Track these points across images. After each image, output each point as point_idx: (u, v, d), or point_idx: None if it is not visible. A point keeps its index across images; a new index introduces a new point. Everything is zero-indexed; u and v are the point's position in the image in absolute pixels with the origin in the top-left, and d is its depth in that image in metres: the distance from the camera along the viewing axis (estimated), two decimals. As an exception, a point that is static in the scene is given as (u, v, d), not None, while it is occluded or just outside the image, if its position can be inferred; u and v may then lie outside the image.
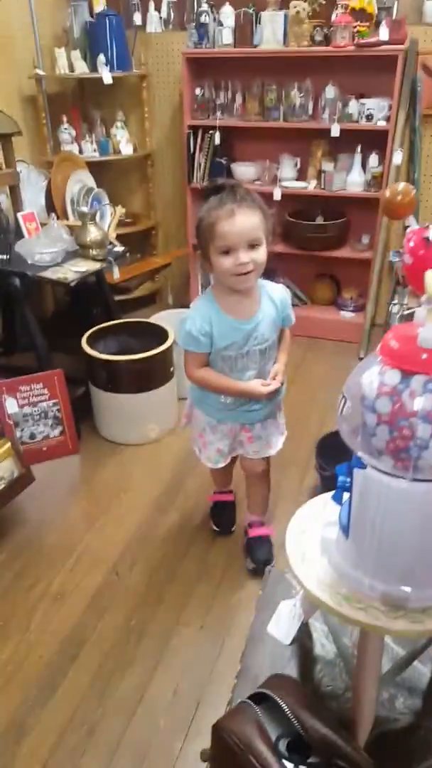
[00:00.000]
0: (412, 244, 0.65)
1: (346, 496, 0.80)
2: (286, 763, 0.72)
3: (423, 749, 0.82)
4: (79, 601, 1.88)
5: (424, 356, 0.66)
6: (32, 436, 2.35)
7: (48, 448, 2.37)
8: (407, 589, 0.72)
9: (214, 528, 2.01)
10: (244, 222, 1.38)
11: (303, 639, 0.96)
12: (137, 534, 2.08)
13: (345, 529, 0.78)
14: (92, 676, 1.69)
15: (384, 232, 3.13)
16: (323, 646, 0.96)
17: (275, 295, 1.58)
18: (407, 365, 0.66)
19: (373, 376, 0.69)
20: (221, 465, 1.80)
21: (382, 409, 0.68)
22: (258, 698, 0.78)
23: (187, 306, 3.58)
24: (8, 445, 1.99)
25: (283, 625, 0.98)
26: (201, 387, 1.65)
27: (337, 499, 0.80)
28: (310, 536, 0.85)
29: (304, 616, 0.98)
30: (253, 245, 1.41)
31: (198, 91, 3.34)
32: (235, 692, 0.86)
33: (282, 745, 0.73)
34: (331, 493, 0.87)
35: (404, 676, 0.92)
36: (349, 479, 0.77)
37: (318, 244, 3.31)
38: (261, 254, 1.43)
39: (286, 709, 0.74)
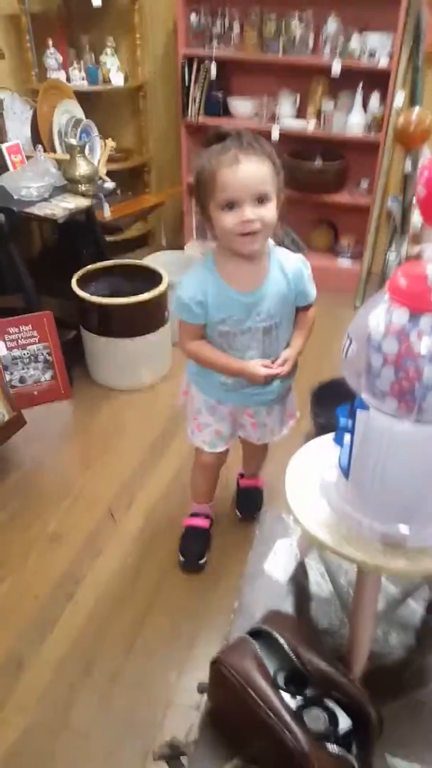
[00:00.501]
0: (426, 174, 0.62)
1: (347, 438, 0.80)
2: (284, 695, 0.73)
3: (415, 681, 0.85)
4: (74, 541, 1.91)
5: (436, 296, 0.64)
6: (22, 380, 2.33)
7: (39, 392, 2.36)
8: (406, 528, 0.73)
9: (180, 557, 1.76)
10: (250, 171, 1.19)
11: (299, 577, 0.98)
12: (133, 476, 2.09)
13: (345, 471, 0.78)
14: (88, 614, 1.73)
15: (383, 177, 3.04)
16: (319, 584, 0.97)
17: (288, 265, 1.37)
18: (416, 304, 0.65)
19: (381, 316, 0.68)
20: (220, 449, 1.63)
21: (389, 350, 0.66)
22: (256, 634, 0.80)
23: (181, 248, 3.52)
24: (-1, 387, 1.97)
25: (279, 563, 0.99)
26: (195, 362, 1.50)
27: (338, 441, 0.80)
28: (309, 478, 0.85)
29: (301, 555, 0.99)
30: (260, 199, 1.21)
31: (193, 17, 3.17)
32: (232, 628, 0.87)
33: (280, 679, 0.75)
34: (330, 435, 0.87)
35: (398, 613, 0.94)
36: (350, 421, 0.76)
37: (316, 187, 3.22)
38: (270, 211, 1.23)
39: (284, 644, 0.75)
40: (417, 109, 0.67)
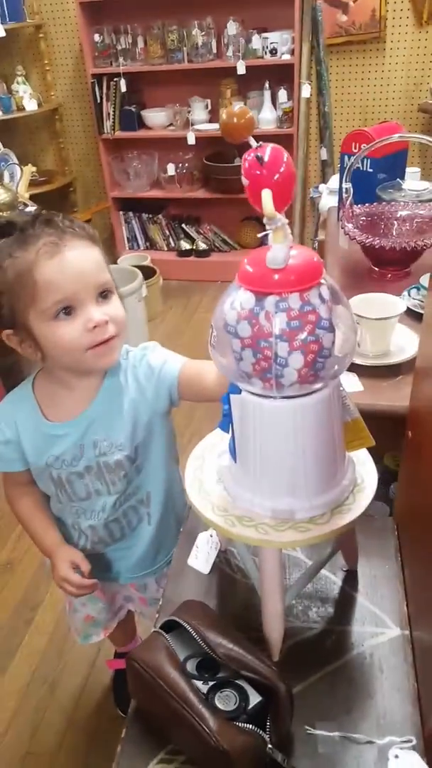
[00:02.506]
0: (247, 165, 0.65)
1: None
2: (195, 682, 0.75)
3: (334, 651, 0.88)
4: (28, 567, 1.91)
5: (275, 276, 0.67)
6: (-37, 412, 2.31)
7: (-19, 421, 2.34)
8: (292, 501, 0.76)
9: (119, 712, 1.52)
10: (81, 259, 0.88)
11: (222, 566, 1.00)
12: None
13: (233, 454, 0.80)
14: (49, 636, 1.73)
15: (301, 168, 3.12)
16: (241, 570, 1.00)
17: (131, 362, 1.01)
18: (260, 287, 0.67)
19: (234, 303, 0.70)
20: (94, 640, 1.27)
21: (244, 333, 0.69)
22: (171, 627, 0.81)
23: (114, 262, 3.54)
24: None
25: (201, 556, 1.01)
26: None
27: (224, 427, 0.82)
28: (208, 467, 0.87)
29: (221, 545, 1.01)
30: (104, 293, 0.91)
31: (97, 37, 3.21)
32: (156, 625, 0.89)
33: (190, 666, 0.76)
34: (229, 424, 0.89)
35: (317, 587, 0.96)
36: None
37: (238, 186, 3.26)
38: (119, 307, 0.93)
39: (191, 631, 0.77)
40: (238, 104, 0.70)
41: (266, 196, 0.62)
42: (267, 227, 0.66)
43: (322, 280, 0.68)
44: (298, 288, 0.66)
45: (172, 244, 3.63)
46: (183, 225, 3.56)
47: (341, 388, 0.77)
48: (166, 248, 3.65)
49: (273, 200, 0.62)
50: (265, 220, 0.65)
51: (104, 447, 0.98)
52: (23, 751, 1.49)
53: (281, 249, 0.65)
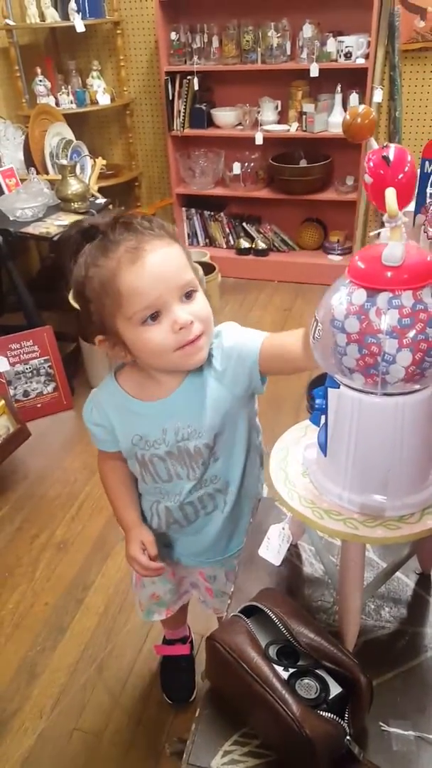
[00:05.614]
0: (371, 164, 0.66)
1: (323, 418, 0.83)
2: (276, 667, 0.76)
3: (407, 651, 0.88)
4: (81, 548, 1.95)
5: (389, 274, 0.67)
6: (26, 394, 2.38)
7: (42, 404, 2.41)
8: (383, 498, 0.76)
9: (165, 699, 1.56)
10: (163, 262, 0.89)
11: (292, 559, 1.01)
12: (135, 481, 2.13)
13: (323, 448, 0.81)
14: (99, 617, 1.77)
15: (368, 173, 3.10)
16: (312, 564, 1.00)
17: (212, 353, 0.99)
18: (373, 283, 0.68)
19: (342, 297, 0.71)
20: (156, 618, 1.33)
21: (351, 329, 0.70)
22: (248, 612, 0.83)
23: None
24: (2, 402, 2.02)
25: (273, 547, 1.02)
26: None
27: (315, 421, 0.83)
28: (293, 459, 0.88)
29: (293, 538, 1.02)
30: (188, 294, 0.92)
31: (173, 35, 3.26)
32: (229, 611, 0.90)
33: (272, 652, 0.78)
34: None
35: (390, 588, 0.96)
36: (324, 401, 0.80)
37: (302, 188, 3.29)
38: (204, 305, 0.94)
39: (274, 618, 0.78)
40: (362, 106, 0.71)
41: (390, 194, 0.63)
42: (386, 224, 0.66)
43: (436, 280, 0.68)
44: (412, 286, 0.67)
45: (232, 242, 3.66)
46: (244, 224, 3.58)
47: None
48: (225, 246, 3.69)
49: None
50: (384, 218, 0.66)
51: (185, 433, 1.01)
52: (71, 727, 1.52)
53: (399, 246, 0.66)
